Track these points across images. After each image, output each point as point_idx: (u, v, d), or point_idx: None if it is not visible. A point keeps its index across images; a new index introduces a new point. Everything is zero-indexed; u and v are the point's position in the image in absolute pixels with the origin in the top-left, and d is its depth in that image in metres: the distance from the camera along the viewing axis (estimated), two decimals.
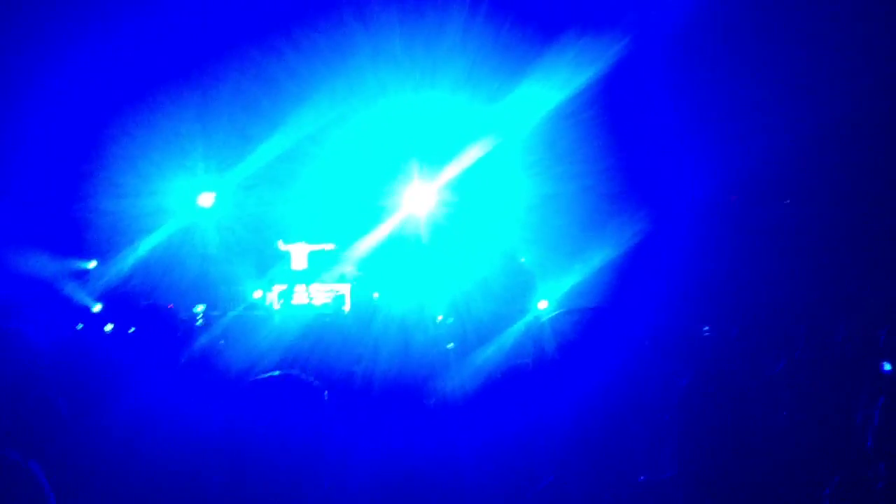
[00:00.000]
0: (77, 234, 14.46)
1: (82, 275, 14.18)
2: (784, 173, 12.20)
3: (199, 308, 12.13)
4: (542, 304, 12.82)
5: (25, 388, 2.88)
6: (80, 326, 7.33)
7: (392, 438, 3.30)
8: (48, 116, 13.05)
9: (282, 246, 14.89)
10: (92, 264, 14.51)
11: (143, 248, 14.42)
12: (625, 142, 13.06)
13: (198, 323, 9.69)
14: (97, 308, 13.20)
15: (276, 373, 2.29)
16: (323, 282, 14.67)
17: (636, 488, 2.75)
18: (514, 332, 5.56)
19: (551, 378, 3.39)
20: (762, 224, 12.20)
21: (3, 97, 12.65)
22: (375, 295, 14.56)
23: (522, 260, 15.01)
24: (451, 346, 5.32)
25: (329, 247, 15.00)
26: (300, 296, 14.45)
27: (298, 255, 14.82)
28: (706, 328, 6.52)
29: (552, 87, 13.19)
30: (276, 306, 14.05)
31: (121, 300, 13.03)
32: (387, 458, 3.20)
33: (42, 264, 13.20)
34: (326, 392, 2.27)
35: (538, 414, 3.21)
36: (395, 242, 15.13)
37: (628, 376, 3.12)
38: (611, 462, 2.76)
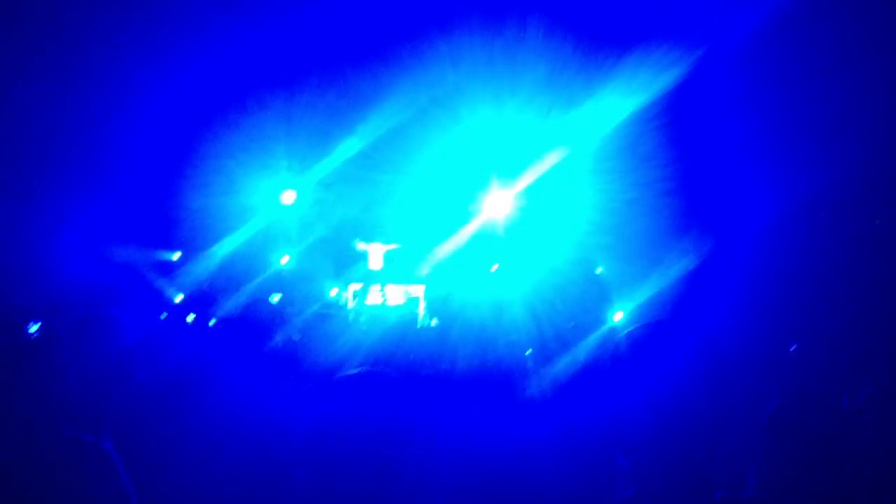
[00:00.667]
0: (167, 229, 14.92)
1: (167, 266, 14.61)
2: (873, 182, 11.83)
3: (276, 297, 12.35)
4: (618, 316, 12.68)
5: (116, 374, 2.98)
6: (163, 316, 7.54)
7: (474, 437, 3.31)
8: (146, 117, 13.50)
9: (360, 245, 15.06)
10: (176, 256, 14.93)
11: (228, 243, 14.79)
12: (704, 149, 12.86)
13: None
14: (179, 299, 13.59)
15: (360, 370, 2.31)
16: (397, 282, 14.78)
17: None
18: (590, 343, 5.52)
19: (629, 389, 3.34)
20: (852, 234, 11.82)
21: (107, 100, 13.11)
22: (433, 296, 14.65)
23: (599, 270, 14.86)
24: (528, 352, 5.30)
25: (404, 246, 15.12)
26: (374, 295, 14.58)
27: (375, 254, 14.97)
28: (794, 345, 6.34)
29: (628, 94, 13.09)
30: (351, 305, 14.22)
31: (203, 293, 13.37)
32: (469, 457, 3.20)
33: (134, 255, 13.66)
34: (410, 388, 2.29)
35: (617, 422, 3.18)
36: (472, 246, 15.16)
37: (711, 392, 3.05)
38: (691, 479, 2.70)
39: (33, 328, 3.97)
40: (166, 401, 3.26)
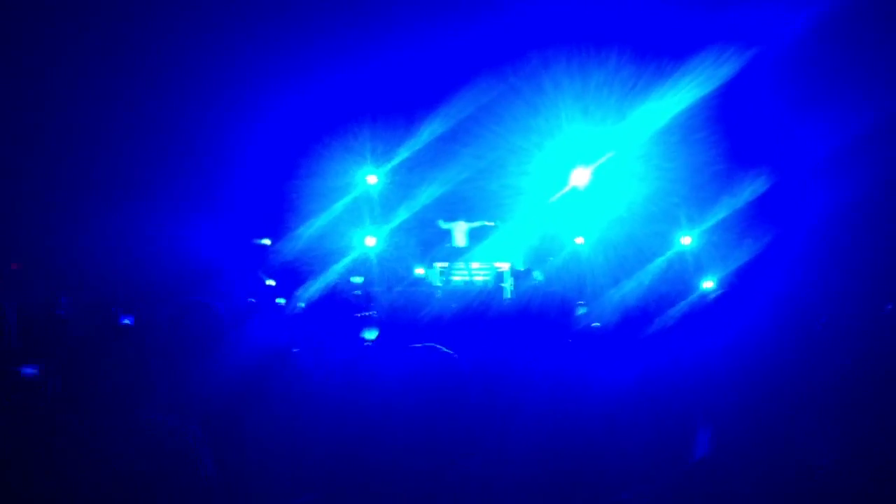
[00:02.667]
0: (258, 214, 15.32)
1: (259, 250, 15.00)
2: None
3: (358, 279, 12.56)
4: (708, 284, 12.57)
5: (209, 360, 3.11)
6: (251, 300, 7.78)
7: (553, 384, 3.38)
8: (240, 109, 13.91)
9: (442, 224, 15.14)
10: (266, 241, 15.30)
11: (314, 226, 15.09)
12: (780, 139, 12.80)
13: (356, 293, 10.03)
14: (270, 283, 13.96)
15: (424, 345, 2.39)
16: (483, 259, 14.82)
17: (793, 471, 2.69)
18: (676, 309, 5.52)
19: (710, 348, 3.35)
20: None
21: (207, 93, 13.57)
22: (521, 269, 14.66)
23: (688, 240, 14.72)
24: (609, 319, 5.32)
25: (489, 224, 15.12)
26: (461, 273, 14.66)
27: (459, 232, 15.03)
28: (889, 306, 6.14)
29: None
30: (437, 283, 14.34)
31: (292, 276, 13.72)
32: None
33: (230, 243, 14.08)
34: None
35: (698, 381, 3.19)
36: (556, 221, 15.11)
37: (796, 355, 3.04)
38: (766, 443, 2.71)
39: (126, 320, 4.16)
40: (255, 385, 3.37)
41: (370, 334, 4.46)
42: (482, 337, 4.86)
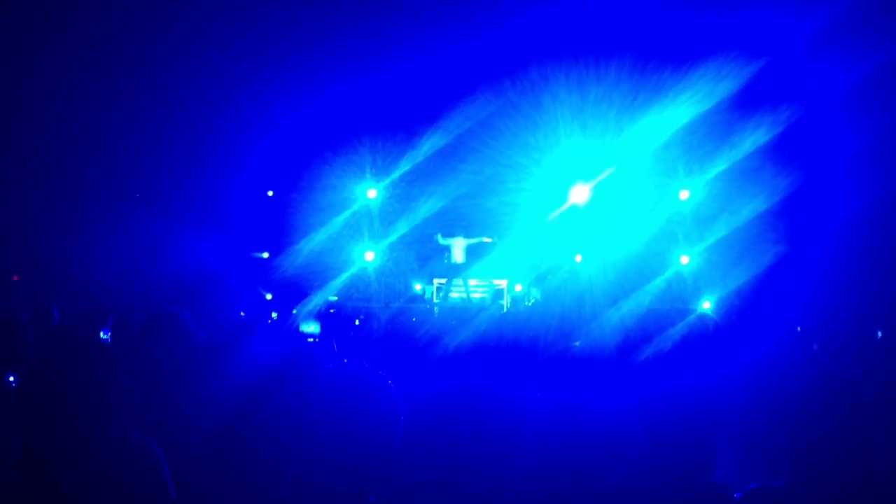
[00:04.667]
0: (255, 227, 15.30)
1: (258, 264, 14.95)
2: None
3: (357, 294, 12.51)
4: (706, 305, 12.50)
5: (180, 375, 3.03)
6: (242, 314, 7.69)
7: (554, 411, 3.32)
8: (235, 117, 13.90)
9: (441, 240, 15.07)
10: (265, 255, 15.25)
11: (315, 240, 15.05)
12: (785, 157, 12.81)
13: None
14: (269, 296, 13.90)
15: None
16: (480, 276, 14.74)
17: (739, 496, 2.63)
18: (674, 330, 5.47)
19: (710, 375, 3.27)
20: None
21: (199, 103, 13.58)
22: (518, 287, 14.59)
23: (685, 260, 14.66)
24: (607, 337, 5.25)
25: (487, 240, 15.05)
26: (458, 289, 14.60)
27: (457, 248, 14.96)
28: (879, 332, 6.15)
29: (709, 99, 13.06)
30: (435, 299, 14.27)
31: (290, 290, 13.66)
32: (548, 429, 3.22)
33: (222, 255, 14.03)
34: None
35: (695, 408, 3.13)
36: (554, 238, 15.05)
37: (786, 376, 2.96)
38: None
39: (104, 334, 4.08)
40: (234, 403, 3.28)
41: (311, 328, 4.33)
42: (475, 360, 4.80)
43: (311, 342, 4.13)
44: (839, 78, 11.87)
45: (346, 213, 15.43)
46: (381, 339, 5.89)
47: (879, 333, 6.39)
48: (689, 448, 2.69)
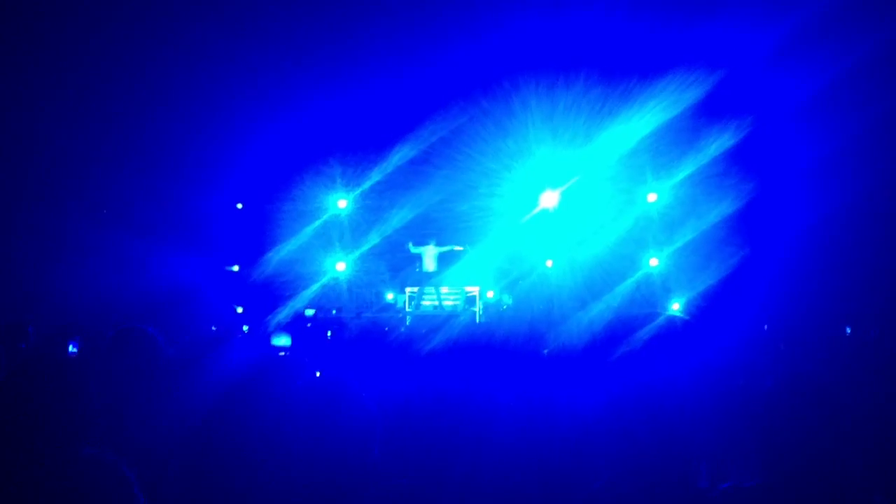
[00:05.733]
0: (226, 240, 15.19)
1: (228, 277, 14.83)
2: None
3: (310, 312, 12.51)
4: (675, 307, 12.62)
5: (149, 391, 2.99)
6: (213, 328, 7.65)
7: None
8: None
9: (412, 248, 15.06)
10: (235, 268, 15.14)
11: (284, 252, 14.97)
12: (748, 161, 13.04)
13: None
14: (240, 310, 13.81)
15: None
16: (453, 284, 14.75)
17: (711, 496, 2.66)
18: (642, 333, 5.50)
19: (676, 377, 3.30)
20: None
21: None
22: (490, 294, 14.64)
23: (654, 262, 14.81)
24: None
25: (458, 248, 15.06)
26: (430, 298, 14.59)
27: (429, 257, 14.96)
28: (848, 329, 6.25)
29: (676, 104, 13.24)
30: (407, 308, 14.25)
31: (260, 302, 13.58)
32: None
33: (196, 268, 13.91)
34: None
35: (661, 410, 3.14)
36: (525, 244, 15.11)
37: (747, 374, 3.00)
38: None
39: (72, 348, 4.03)
40: (205, 420, 3.23)
41: (282, 341, 4.31)
42: (448, 365, 4.80)
43: (282, 356, 4.12)
44: (797, 88, 12.11)
45: (317, 224, 15.37)
46: (353, 349, 5.87)
47: (848, 330, 6.49)
48: (665, 450, 2.71)
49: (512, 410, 4.14)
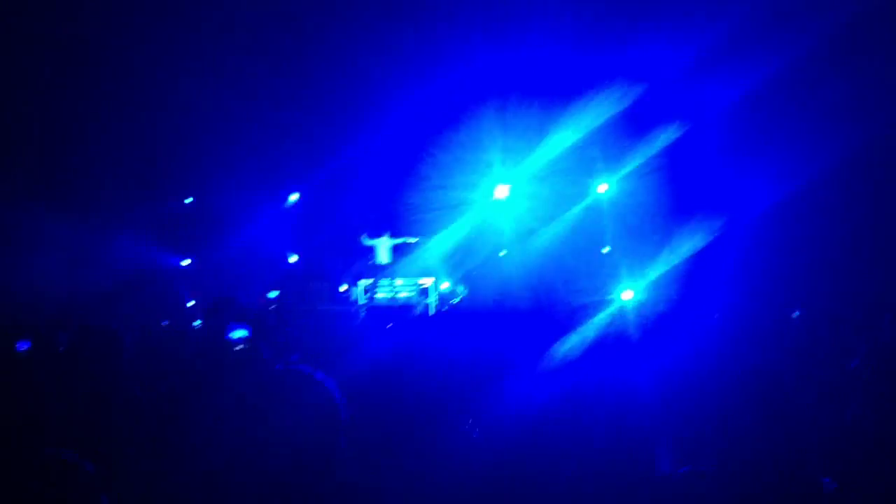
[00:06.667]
0: (177, 233, 14.98)
1: (179, 272, 14.63)
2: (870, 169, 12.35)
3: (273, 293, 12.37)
4: (628, 294, 12.75)
5: (109, 390, 2.93)
6: (165, 323, 7.55)
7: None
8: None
9: (366, 240, 15.02)
10: (186, 262, 14.94)
11: (237, 245, 14.82)
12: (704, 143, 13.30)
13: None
14: (191, 304, 13.64)
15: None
16: (407, 276, 14.73)
17: (672, 480, 2.71)
18: (596, 321, 5.56)
19: (634, 365, 3.35)
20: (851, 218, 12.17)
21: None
22: (445, 285, 14.67)
23: (606, 249, 15.00)
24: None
25: (413, 240, 15.06)
26: (385, 290, 14.53)
27: (383, 248, 14.93)
28: (796, 313, 6.38)
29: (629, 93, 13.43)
30: (362, 301, 14.19)
31: (214, 296, 13.40)
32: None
33: (142, 261, 13.69)
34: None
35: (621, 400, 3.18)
36: (479, 235, 15.17)
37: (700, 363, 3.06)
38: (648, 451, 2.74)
39: (23, 346, 3.93)
40: (162, 415, 3.19)
41: (237, 333, 4.26)
42: (405, 355, 4.80)
43: (240, 349, 4.08)
44: (724, 90, 12.49)
45: (271, 216, 15.24)
46: (310, 341, 5.86)
47: (796, 313, 6.60)
48: (623, 439, 2.75)
49: (471, 399, 4.17)
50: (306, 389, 2.28)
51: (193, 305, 13.34)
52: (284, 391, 2.31)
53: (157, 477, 2.90)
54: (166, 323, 7.77)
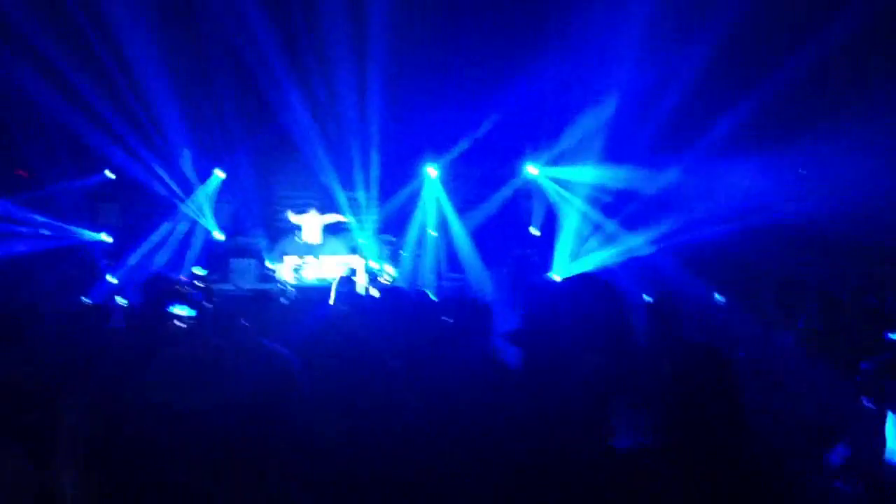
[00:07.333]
0: (97, 210, 14.56)
1: (99, 248, 14.19)
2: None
3: (201, 271, 12.13)
4: (556, 278, 12.95)
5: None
6: (85, 300, 7.31)
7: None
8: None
9: (292, 217, 14.81)
10: (105, 237, 14.50)
11: (165, 221, 14.50)
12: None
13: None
14: (112, 280, 13.27)
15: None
16: (335, 254, 14.60)
17: (617, 455, 2.78)
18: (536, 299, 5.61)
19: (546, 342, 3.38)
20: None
21: None
22: (374, 265, 14.62)
23: (534, 232, 15.16)
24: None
25: (342, 218, 14.94)
26: (312, 269, 14.37)
27: (310, 226, 14.76)
28: (719, 297, 6.56)
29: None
30: (289, 279, 14.01)
31: (133, 272, 13.11)
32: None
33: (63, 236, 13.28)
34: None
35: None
36: (409, 215, 15.17)
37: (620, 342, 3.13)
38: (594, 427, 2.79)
39: None
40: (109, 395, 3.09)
41: (182, 310, 4.18)
42: (340, 339, 4.78)
43: (181, 326, 3.99)
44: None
45: (198, 193, 14.90)
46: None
47: (717, 296, 6.78)
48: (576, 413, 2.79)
49: (413, 370, 4.17)
50: (266, 357, 2.25)
51: (116, 284, 12.99)
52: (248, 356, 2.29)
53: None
54: (87, 300, 7.53)
